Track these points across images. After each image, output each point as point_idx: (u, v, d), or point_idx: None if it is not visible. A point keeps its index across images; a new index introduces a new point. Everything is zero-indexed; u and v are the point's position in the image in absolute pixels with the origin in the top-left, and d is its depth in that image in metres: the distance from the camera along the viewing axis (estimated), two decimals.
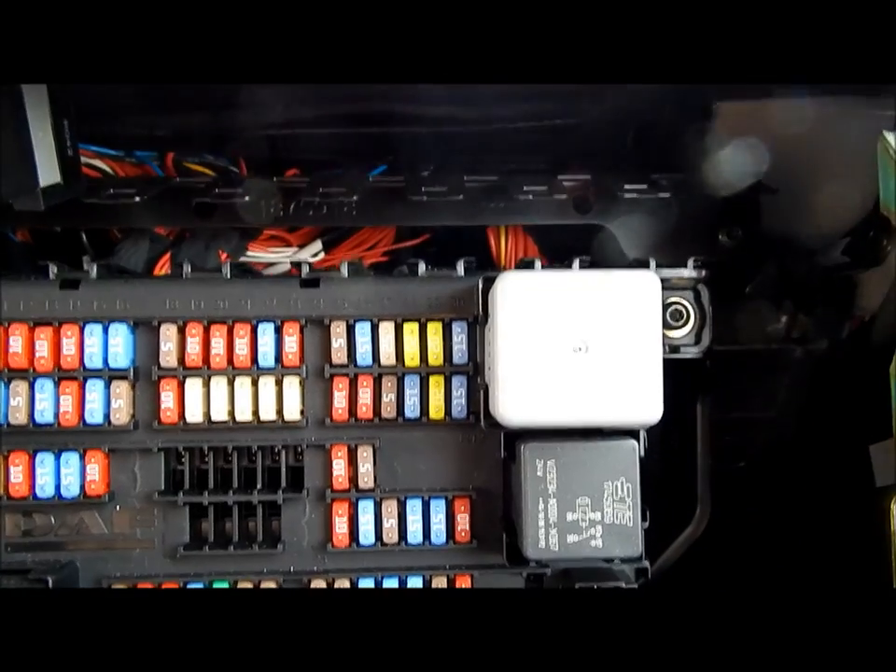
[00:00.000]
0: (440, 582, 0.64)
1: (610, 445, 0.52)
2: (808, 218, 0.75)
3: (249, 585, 0.64)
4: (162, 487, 0.64)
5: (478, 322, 0.62)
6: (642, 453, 0.59)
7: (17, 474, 0.62)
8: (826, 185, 0.71)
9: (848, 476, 0.75)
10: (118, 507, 0.64)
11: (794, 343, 0.87)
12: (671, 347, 0.64)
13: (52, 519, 0.63)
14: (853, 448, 0.74)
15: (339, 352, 0.59)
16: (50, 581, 0.60)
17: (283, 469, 0.65)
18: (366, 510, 0.64)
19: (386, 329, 0.58)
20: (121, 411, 0.63)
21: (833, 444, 0.80)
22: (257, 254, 0.66)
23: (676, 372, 0.77)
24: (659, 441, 0.86)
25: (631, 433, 0.58)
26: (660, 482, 0.85)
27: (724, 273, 0.75)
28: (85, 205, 0.69)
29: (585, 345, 0.48)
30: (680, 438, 0.86)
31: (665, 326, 0.65)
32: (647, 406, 0.44)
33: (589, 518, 0.56)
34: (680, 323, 0.65)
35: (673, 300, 0.64)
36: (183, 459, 0.65)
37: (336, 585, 0.64)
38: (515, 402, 0.44)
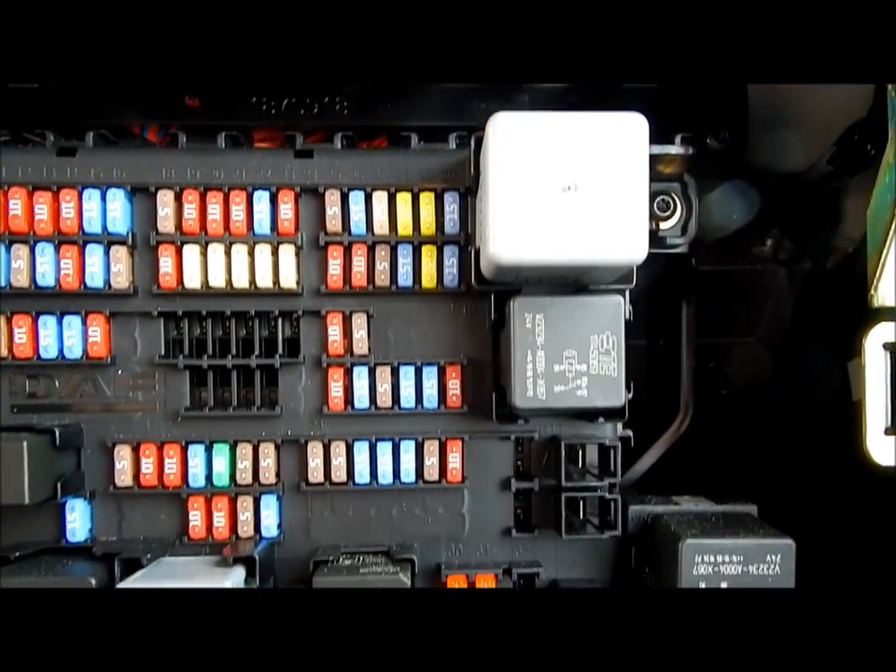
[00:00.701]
0: (432, 446, 0.66)
1: (597, 300, 0.55)
2: (797, 125, 0.77)
3: (249, 447, 0.66)
4: (162, 352, 0.65)
5: (469, 192, 0.64)
6: (628, 312, 0.61)
7: (20, 335, 0.64)
8: (814, 92, 0.73)
9: (828, 393, 0.78)
10: (119, 371, 0.66)
11: (779, 264, 0.90)
12: (658, 240, 0.67)
13: (56, 382, 0.65)
14: (832, 367, 0.77)
15: (333, 220, 0.61)
16: (58, 434, 0.62)
17: (280, 336, 0.67)
18: (360, 375, 0.66)
19: (380, 199, 0.60)
20: (121, 275, 0.65)
21: (812, 364, 0.83)
22: None
23: (664, 274, 0.80)
24: (646, 346, 0.90)
25: (617, 289, 0.60)
26: (645, 384, 0.89)
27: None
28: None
29: (574, 184, 0.50)
30: (666, 342, 0.89)
31: (653, 217, 0.68)
32: (632, 244, 0.46)
33: (575, 369, 0.59)
34: (667, 214, 0.67)
35: (660, 189, 0.67)
36: (182, 326, 0.66)
37: (332, 448, 0.66)
38: (507, 240, 0.46)
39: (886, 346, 0.52)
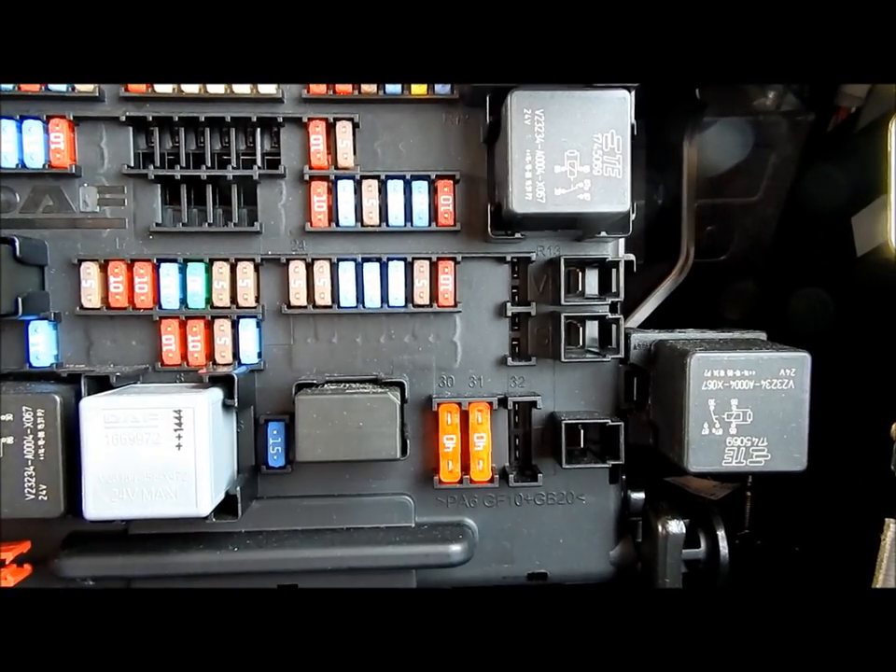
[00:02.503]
0: (422, 267, 0.61)
1: (602, 95, 0.49)
2: None
3: (227, 267, 0.61)
4: (132, 163, 0.60)
5: None
6: (632, 114, 0.55)
7: None
8: None
9: (830, 249, 0.73)
10: (85, 184, 0.60)
11: (781, 115, 0.84)
12: None
13: (17, 195, 0.59)
14: (833, 224, 0.72)
15: None
16: (17, 245, 0.58)
17: (258, 148, 0.62)
18: (345, 189, 0.61)
19: None
20: None
21: (814, 222, 0.78)
22: None
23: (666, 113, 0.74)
24: (645, 193, 0.84)
25: (623, 86, 0.55)
26: (647, 230, 0.83)
27: None
28: None
29: None
30: (666, 184, 0.83)
31: None
32: None
33: (577, 171, 0.54)
34: None
35: None
36: (153, 136, 0.60)
37: (315, 268, 0.61)
38: None
39: None
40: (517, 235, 0.60)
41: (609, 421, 0.57)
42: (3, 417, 0.51)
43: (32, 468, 0.52)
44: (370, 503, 0.64)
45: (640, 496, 0.65)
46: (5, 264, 0.55)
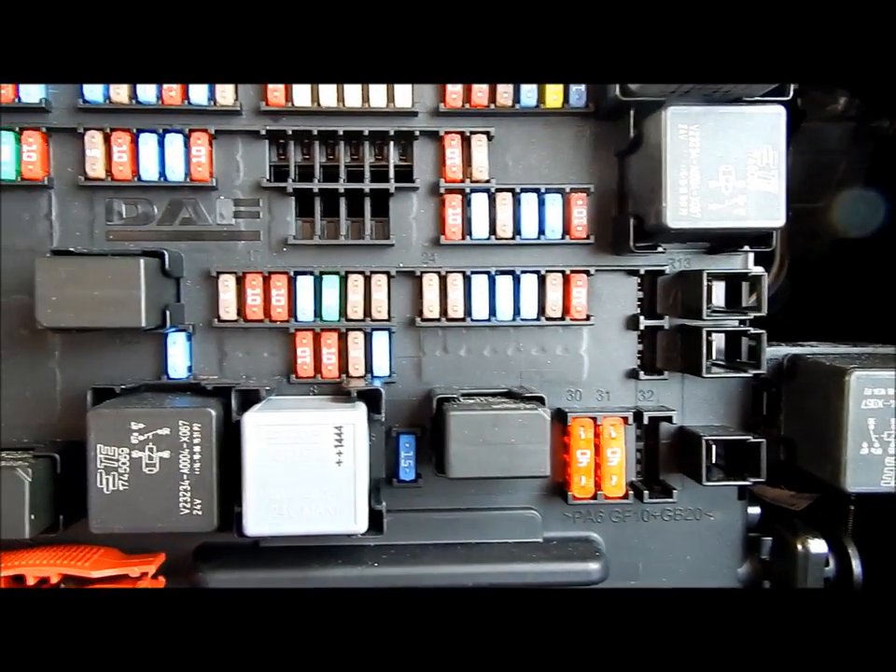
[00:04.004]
0: (555, 280, 0.61)
1: (756, 111, 0.49)
2: None
3: (361, 279, 0.60)
4: (268, 176, 0.60)
5: None
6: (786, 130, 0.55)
7: (120, 154, 0.58)
8: None
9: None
10: (221, 196, 0.60)
11: (850, 121, 0.84)
12: None
13: (155, 207, 0.59)
14: None
15: None
16: (167, 258, 0.59)
17: (391, 156, 0.63)
18: (479, 202, 0.61)
19: None
20: (226, 91, 0.59)
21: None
22: None
23: None
24: None
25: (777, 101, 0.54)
26: None
27: None
28: None
29: None
30: None
31: None
32: None
33: (732, 186, 0.53)
34: None
35: None
36: (287, 150, 0.61)
37: (449, 281, 0.61)
38: None
39: None
40: (659, 249, 0.59)
41: (750, 437, 0.57)
42: (160, 431, 0.51)
43: (187, 482, 0.52)
44: (497, 517, 0.63)
45: (756, 510, 0.64)
46: (153, 277, 0.54)
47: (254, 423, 0.48)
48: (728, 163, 0.53)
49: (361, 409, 0.53)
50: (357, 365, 0.61)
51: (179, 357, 0.60)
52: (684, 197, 0.53)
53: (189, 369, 0.61)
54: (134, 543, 0.59)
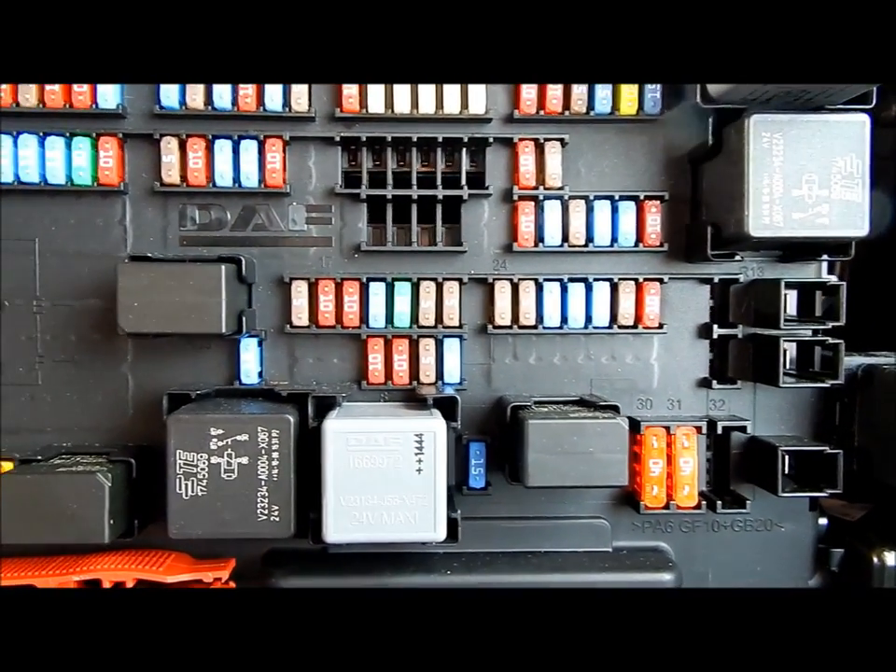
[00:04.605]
0: (628, 288, 0.60)
1: (840, 119, 0.48)
2: None
3: (433, 286, 0.60)
4: (340, 183, 0.60)
5: None
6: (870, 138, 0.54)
7: (195, 160, 0.58)
8: None
9: None
10: (294, 203, 0.60)
11: None
12: None
13: (228, 213, 0.59)
14: None
15: None
16: (244, 264, 0.59)
17: (463, 163, 0.63)
18: (552, 209, 0.60)
19: None
20: (302, 97, 0.59)
21: None
22: None
23: None
24: None
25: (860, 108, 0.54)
26: None
27: None
28: None
29: None
30: None
31: None
32: None
33: (815, 194, 0.53)
34: None
35: None
36: (358, 156, 0.61)
37: (521, 288, 0.60)
38: None
39: None
40: (736, 257, 0.59)
41: (826, 448, 0.56)
42: (238, 437, 0.51)
43: (265, 488, 0.52)
44: (566, 526, 0.63)
45: (824, 521, 0.63)
46: (231, 283, 0.54)
47: (335, 430, 0.48)
48: (811, 172, 0.53)
49: (439, 416, 0.52)
50: (427, 372, 0.61)
51: (252, 363, 0.60)
52: (767, 206, 0.52)
53: (260, 374, 0.60)
54: (203, 548, 0.58)
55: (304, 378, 0.61)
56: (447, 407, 0.56)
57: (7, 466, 0.55)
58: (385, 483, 0.51)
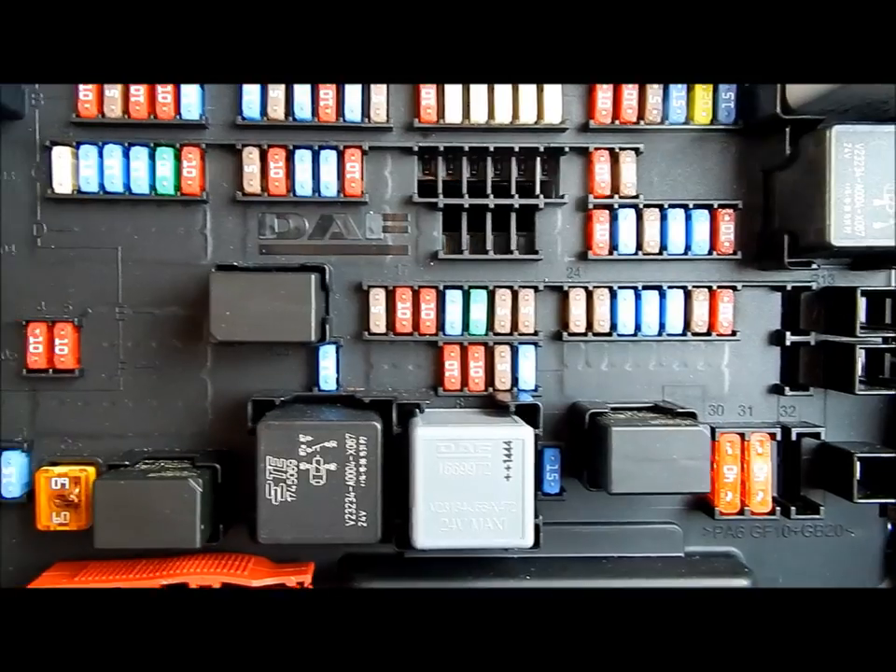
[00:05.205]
0: (701, 295, 0.61)
1: None
2: None
3: (509, 294, 0.61)
4: (416, 192, 0.60)
5: None
6: None
7: (276, 170, 0.59)
8: None
9: None
10: (371, 211, 0.61)
11: None
12: None
13: (306, 222, 0.60)
14: None
15: None
16: (328, 272, 0.60)
17: (537, 171, 0.64)
18: (626, 218, 0.61)
19: None
20: (380, 108, 0.60)
21: None
22: None
23: None
24: None
25: None
26: None
27: None
28: None
29: None
30: None
31: None
32: None
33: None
34: None
35: None
36: (431, 166, 0.62)
37: (595, 296, 0.61)
38: None
39: None
40: (813, 266, 0.59)
41: None
42: (327, 444, 0.52)
43: (353, 494, 0.52)
44: (638, 531, 0.64)
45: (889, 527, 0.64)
46: (316, 292, 0.55)
47: (425, 438, 0.48)
48: (892, 182, 0.53)
49: (525, 424, 0.53)
50: (503, 378, 0.62)
51: (330, 370, 0.61)
52: (848, 215, 0.53)
53: (337, 381, 0.61)
54: (279, 552, 0.59)
55: (380, 384, 0.62)
56: (528, 414, 0.57)
57: (90, 470, 0.59)
58: (474, 490, 0.51)
